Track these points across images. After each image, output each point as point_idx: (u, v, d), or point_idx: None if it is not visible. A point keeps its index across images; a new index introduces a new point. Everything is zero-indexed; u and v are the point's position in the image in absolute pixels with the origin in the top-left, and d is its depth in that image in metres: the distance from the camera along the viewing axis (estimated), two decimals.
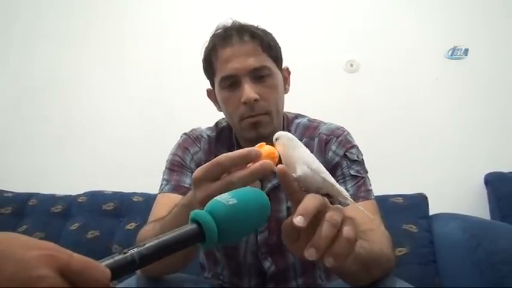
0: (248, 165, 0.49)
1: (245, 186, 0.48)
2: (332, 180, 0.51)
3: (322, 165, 0.52)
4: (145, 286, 0.75)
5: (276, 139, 0.53)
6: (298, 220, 0.43)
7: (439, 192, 1.57)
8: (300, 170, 0.50)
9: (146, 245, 0.37)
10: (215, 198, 0.45)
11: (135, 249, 0.36)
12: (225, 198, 0.44)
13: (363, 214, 0.59)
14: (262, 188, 0.89)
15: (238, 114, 0.85)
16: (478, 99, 1.76)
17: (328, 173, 0.52)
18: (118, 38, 2.06)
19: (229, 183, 0.48)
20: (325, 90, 1.84)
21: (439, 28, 1.82)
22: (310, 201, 0.45)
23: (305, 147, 0.54)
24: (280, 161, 0.52)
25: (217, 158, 0.49)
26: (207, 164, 0.50)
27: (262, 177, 0.49)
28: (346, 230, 0.45)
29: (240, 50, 0.83)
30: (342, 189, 0.52)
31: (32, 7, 2.15)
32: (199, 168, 0.51)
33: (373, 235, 0.70)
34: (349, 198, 0.52)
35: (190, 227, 0.41)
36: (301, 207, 0.44)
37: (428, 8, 1.85)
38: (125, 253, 0.35)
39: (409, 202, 1.46)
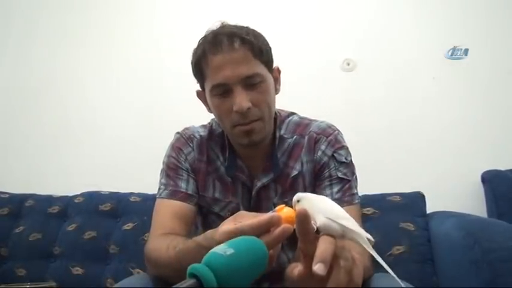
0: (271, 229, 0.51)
1: (270, 249, 0.50)
2: (353, 226, 0.51)
3: (343, 211, 0.52)
4: (143, 286, 0.75)
5: (298, 201, 0.54)
6: (318, 267, 0.44)
7: (436, 190, 1.57)
8: (319, 221, 0.50)
9: None
10: (212, 249, 0.44)
11: None
12: (222, 249, 0.44)
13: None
14: (252, 187, 0.89)
15: (230, 121, 0.84)
16: (477, 98, 1.75)
17: (349, 217, 0.52)
18: (114, 38, 2.05)
19: None
20: (321, 89, 1.83)
21: (439, 28, 1.82)
22: (327, 249, 0.46)
23: (326, 199, 0.55)
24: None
25: (241, 227, 0.51)
26: (231, 231, 0.51)
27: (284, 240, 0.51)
28: (356, 276, 0.47)
29: (230, 57, 0.80)
30: (361, 232, 0.52)
31: (27, 8, 2.14)
32: (223, 233, 0.52)
33: None
34: (368, 242, 0.52)
35: (189, 282, 0.40)
36: (320, 254, 0.45)
37: (428, 7, 1.84)
38: None
39: (407, 201, 1.46)
